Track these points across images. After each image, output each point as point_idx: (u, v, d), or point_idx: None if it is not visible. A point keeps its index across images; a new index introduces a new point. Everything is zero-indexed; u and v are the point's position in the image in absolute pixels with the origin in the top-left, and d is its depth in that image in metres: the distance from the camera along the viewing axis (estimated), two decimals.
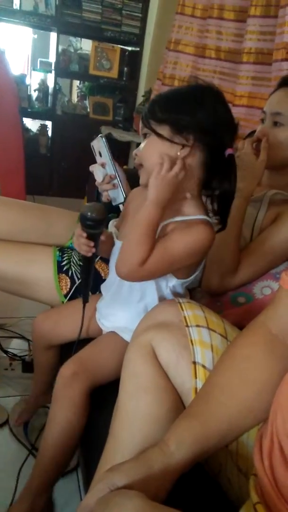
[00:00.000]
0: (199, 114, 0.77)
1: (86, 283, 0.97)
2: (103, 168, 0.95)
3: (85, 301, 0.98)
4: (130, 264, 0.78)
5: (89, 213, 0.82)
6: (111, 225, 0.98)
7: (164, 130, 0.79)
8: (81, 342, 0.98)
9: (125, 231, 0.92)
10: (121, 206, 1.02)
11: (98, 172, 0.96)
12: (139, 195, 0.92)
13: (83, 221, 0.84)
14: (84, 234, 0.86)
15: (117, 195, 0.96)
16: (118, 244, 0.92)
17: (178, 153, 0.78)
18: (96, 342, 0.95)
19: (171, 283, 0.89)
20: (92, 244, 0.87)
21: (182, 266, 0.85)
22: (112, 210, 1.12)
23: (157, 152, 0.79)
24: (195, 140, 0.78)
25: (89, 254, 0.88)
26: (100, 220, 0.83)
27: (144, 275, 0.81)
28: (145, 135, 0.84)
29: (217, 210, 0.85)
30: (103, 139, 0.93)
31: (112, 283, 0.95)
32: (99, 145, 0.94)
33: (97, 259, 1.14)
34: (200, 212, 0.84)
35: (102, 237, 0.88)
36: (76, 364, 0.88)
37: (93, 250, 0.88)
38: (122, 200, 0.96)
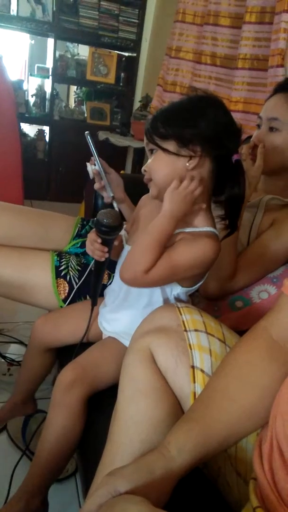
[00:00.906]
0: (202, 124, 0.78)
1: (96, 286, 0.98)
2: (93, 165, 0.97)
3: (94, 304, 0.99)
4: (135, 271, 0.79)
5: (105, 219, 0.83)
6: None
7: (170, 145, 0.80)
8: (79, 347, 0.99)
9: (134, 236, 0.93)
10: (114, 204, 1.03)
11: (88, 169, 0.99)
12: (150, 202, 0.94)
13: (98, 227, 0.84)
14: (99, 240, 0.86)
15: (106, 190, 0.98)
16: (127, 248, 0.93)
17: (187, 164, 0.80)
18: (95, 347, 0.95)
19: (176, 291, 0.89)
20: (106, 249, 0.87)
21: (185, 277, 0.86)
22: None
23: (165, 166, 0.81)
24: (202, 151, 0.79)
25: (103, 259, 0.89)
26: (115, 226, 0.84)
27: (146, 283, 0.82)
28: (151, 151, 0.85)
29: (225, 215, 0.85)
30: (87, 136, 0.94)
31: (119, 288, 0.95)
32: (88, 142, 0.96)
33: None
34: (208, 224, 0.85)
35: (116, 243, 0.88)
36: (76, 370, 0.87)
37: (107, 255, 0.88)
38: (110, 196, 0.97)
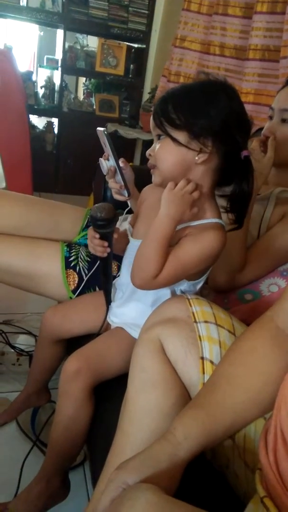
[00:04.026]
0: (216, 116, 0.75)
1: (107, 284, 0.97)
2: (107, 160, 0.96)
3: (108, 303, 0.99)
4: (144, 278, 0.79)
5: (98, 214, 0.83)
6: (126, 223, 0.98)
7: (181, 135, 0.76)
8: (87, 337, 0.99)
9: (139, 229, 0.93)
10: (129, 203, 1.02)
11: (102, 164, 0.97)
12: (152, 193, 0.92)
13: (94, 221, 0.84)
14: (97, 235, 0.86)
15: (123, 191, 0.96)
16: (132, 242, 0.92)
17: (196, 158, 0.77)
18: (101, 337, 0.96)
19: (182, 285, 0.89)
20: (106, 244, 0.87)
21: (195, 271, 0.84)
22: (120, 207, 1.12)
23: (173, 156, 0.78)
24: (213, 146, 0.76)
25: (105, 255, 0.88)
26: (110, 218, 0.83)
27: (158, 286, 0.81)
28: (158, 136, 0.81)
29: (231, 209, 0.83)
30: (104, 131, 0.92)
31: (127, 283, 0.94)
32: (102, 138, 0.94)
33: None
34: (213, 215, 0.83)
35: (115, 235, 0.88)
36: (79, 359, 0.88)
37: (108, 250, 0.88)
38: (126, 195, 0.96)
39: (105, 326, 1.01)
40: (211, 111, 0.75)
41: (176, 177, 0.79)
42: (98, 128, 0.92)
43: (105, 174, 0.97)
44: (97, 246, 0.87)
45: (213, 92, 0.77)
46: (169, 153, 0.79)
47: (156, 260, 0.77)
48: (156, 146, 0.81)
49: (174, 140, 0.77)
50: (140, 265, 0.80)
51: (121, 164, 0.94)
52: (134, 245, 0.92)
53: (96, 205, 0.84)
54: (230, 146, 0.78)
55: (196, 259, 0.80)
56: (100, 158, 0.98)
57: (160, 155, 0.80)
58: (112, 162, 0.94)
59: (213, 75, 0.81)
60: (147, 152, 0.83)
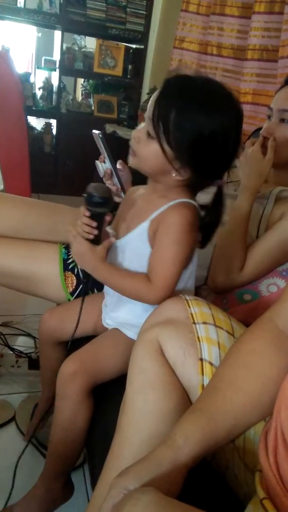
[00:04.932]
0: (212, 156, 0.78)
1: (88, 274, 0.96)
2: (104, 163, 0.96)
3: (85, 293, 0.99)
4: (148, 300, 0.84)
5: (94, 191, 0.82)
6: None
7: (170, 152, 0.77)
8: (87, 339, 0.99)
9: (120, 229, 0.93)
10: None
11: (99, 167, 0.97)
12: (133, 192, 0.93)
13: (88, 198, 0.82)
14: (87, 213, 0.83)
15: (120, 193, 0.96)
16: (116, 243, 0.90)
17: (174, 174, 0.80)
18: (98, 339, 0.96)
19: None
20: (94, 224, 0.84)
21: (188, 256, 0.85)
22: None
23: (155, 161, 0.79)
24: (192, 174, 0.79)
25: (91, 236, 0.84)
26: (105, 198, 0.82)
27: (169, 293, 0.82)
28: (148, 133, 0.79)
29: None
30: (99, 134, 0.91)
31: None
32: (97, 141, 0.94)
33: None
34: (181, 196, 0.83)
35: (107, 218, 0.86)
36: (75, 362, 0.88)
37: (95, 232, 0.84)
38: (123, 197, 0.96)
39: (104, 329, 1.00)
40: (211, 152, 0.77)
41: (152, 175, 0.84)
42: (94, 131, 0.91)
43: (102, 176, 0.97)
44: (84, 224, 0.84)
45: (221, 118, 0.76)
46: (152, 157, 0.80)
47: (132, 288, 0.84)
48: (142, 138, 0.80)
49: (163, 151, 0.78)
50: (135, 297, 0.86)
51: (119, 166, 0.94)
52: (118, 245, 0.91)
53: (93, 183, 0.83)
54: (208, 176, 0.82)
55: (179, 248, 0.81)
56: (96, 161, 0.97)
57: (143, 154, 0.81)
58: (108, 164, 0.93)
59: (226, 86, 0.79)
60: (133, 134, 0.83)
